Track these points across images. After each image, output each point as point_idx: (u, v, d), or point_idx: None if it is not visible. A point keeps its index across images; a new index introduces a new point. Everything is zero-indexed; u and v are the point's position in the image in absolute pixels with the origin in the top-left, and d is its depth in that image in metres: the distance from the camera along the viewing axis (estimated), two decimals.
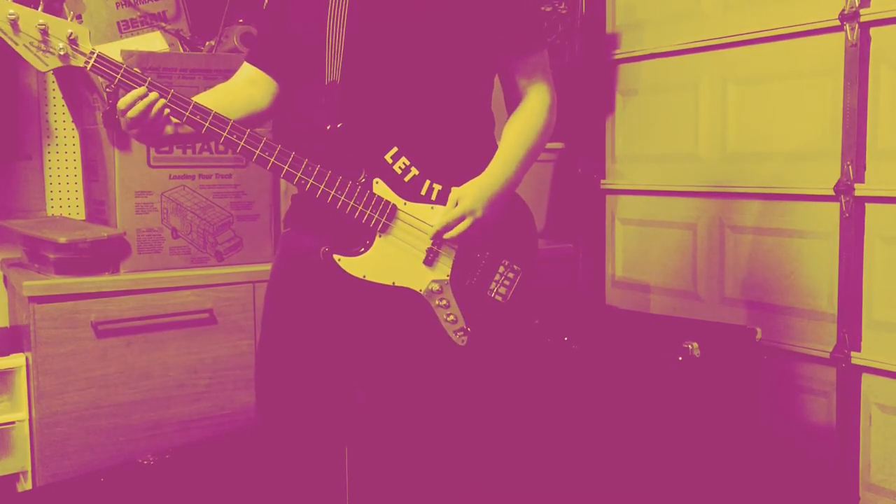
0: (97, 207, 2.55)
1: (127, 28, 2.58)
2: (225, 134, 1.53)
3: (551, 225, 3.19)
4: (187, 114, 1.51)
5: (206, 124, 1.52)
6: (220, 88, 1.74)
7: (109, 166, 2.38)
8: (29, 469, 2.29)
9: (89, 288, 2.27)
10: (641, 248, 3.12)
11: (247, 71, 1.75)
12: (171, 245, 2.43)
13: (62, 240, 2.25)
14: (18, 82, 2.69)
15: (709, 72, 2.83)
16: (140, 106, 1.49)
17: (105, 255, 2.33)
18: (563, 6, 3.19)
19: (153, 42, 2.53)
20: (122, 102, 1.50)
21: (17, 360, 2.30)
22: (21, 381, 2.29)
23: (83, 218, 2.74)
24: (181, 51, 2.60)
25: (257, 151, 1.53)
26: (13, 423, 2.29)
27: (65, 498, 2.13)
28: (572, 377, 2.35)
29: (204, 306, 2.41)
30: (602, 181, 3.22)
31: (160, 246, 2.41)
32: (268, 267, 2.50)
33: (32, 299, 2.21)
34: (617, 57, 3.14)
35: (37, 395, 2.22)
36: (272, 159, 1.54)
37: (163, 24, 2.62)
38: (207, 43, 2.68)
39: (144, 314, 2.33)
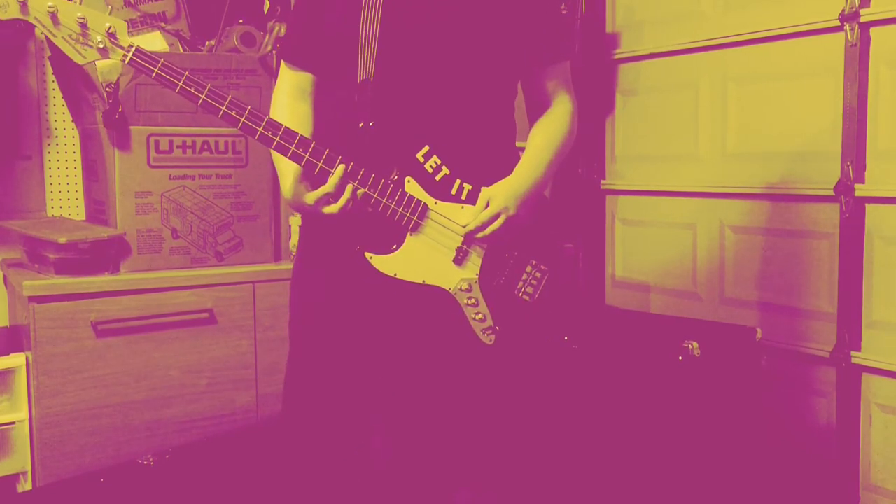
0: (97, 207, 2.55)
1: (127, 28, 2.57)
2: (261, 129, 1.51)
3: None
4: (260, 130, 1.52)
5: (260, 129, 1.51)
6: (296, 114, 1.69)
7: (109, 166, 2.38)
8: (29, 469, 2.29)
9: (89, 288, 2.27)
10: (641, 248, 3.12)
11: (298, 81, 1.71)
12: (171, 245, 2.43)
13: (62, 240, 2.25)
14: (18, 82, 2.68)
15: (709, 72, 2.83)
16: (345, 201, 1.54)
17: (105, 255, 2.33)
18: (563, 6, 3.19)
19: (153, 42, 2.53)
20: (327, 210, 1.56)
21: (17, 360, 2.30)
22: (21, 381, 2.29)
23: (83, 218, 2.74)
24: (181, 51, 2.60)
25: (292, 147, 1.53)
26: (13, 423, 2.29)
27: (65, 498, 2.13)
28: (572, 377, 2.35)
29: (204, 306, 2.41)
30: (602, 181, 3.23)
31: (160, 246, 2.41)
32: (268, 267, 2.53)
33: (32, 299, 2.21)
34: (617, 57, 3.14)
35: (37, 395, 2.22)
36: (307, 155, 1.53)
37: (163, 24, 2.62)
38: (207, 43, 2.68)
39: (144, 314, 2.33)
